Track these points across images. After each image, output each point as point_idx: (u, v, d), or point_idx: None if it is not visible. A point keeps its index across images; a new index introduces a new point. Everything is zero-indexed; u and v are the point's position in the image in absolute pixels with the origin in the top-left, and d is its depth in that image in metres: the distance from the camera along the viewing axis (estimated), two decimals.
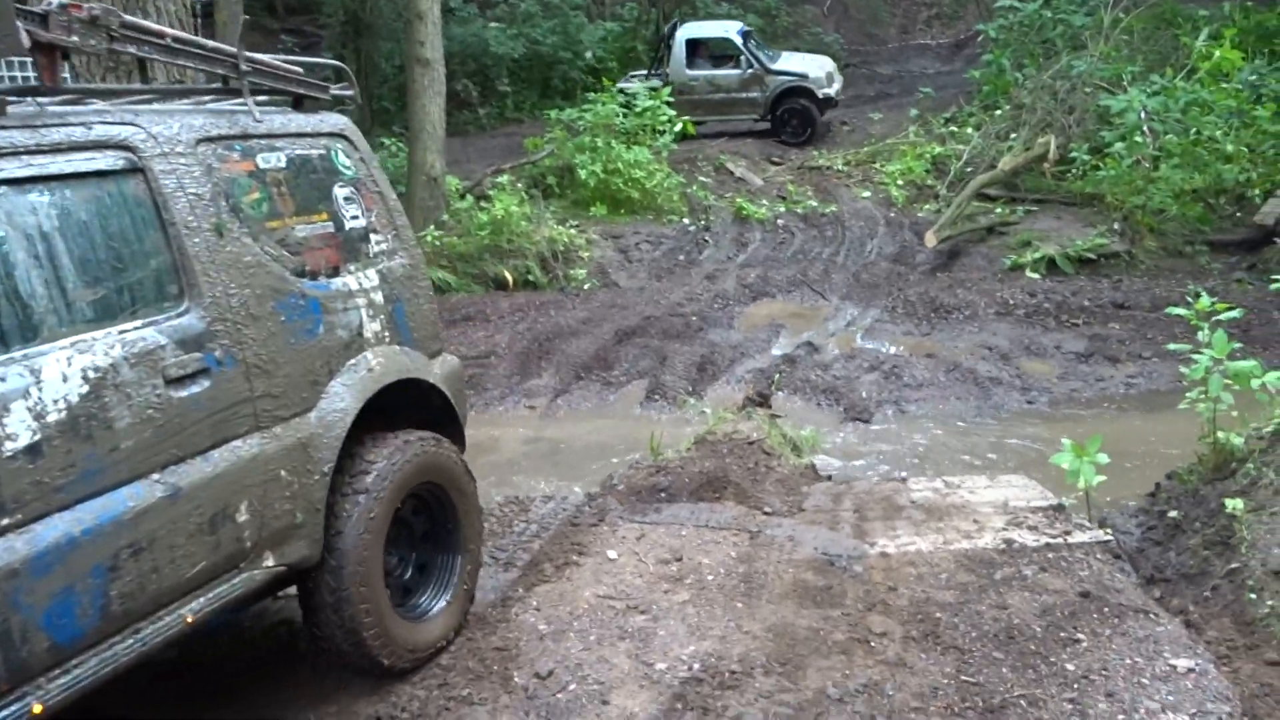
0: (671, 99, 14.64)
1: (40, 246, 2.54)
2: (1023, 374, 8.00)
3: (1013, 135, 13.35)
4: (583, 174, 12.97)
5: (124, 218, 2.78)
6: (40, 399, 2.42)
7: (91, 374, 2.55)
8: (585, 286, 11.16)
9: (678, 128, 14.05)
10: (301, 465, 3.17)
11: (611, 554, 4.46)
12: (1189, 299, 5.16)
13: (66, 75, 3.02)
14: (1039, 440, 6.71)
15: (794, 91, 16.02)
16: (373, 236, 3.72)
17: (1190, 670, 3.30)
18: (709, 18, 20.35)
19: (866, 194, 13.76)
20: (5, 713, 2.31)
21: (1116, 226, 10.92)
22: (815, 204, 13.48)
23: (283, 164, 3.38)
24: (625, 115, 13.82)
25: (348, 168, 3.70)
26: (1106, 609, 3.74)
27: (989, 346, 8.64)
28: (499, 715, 3.36)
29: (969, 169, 13.22)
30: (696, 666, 3.54)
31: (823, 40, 22.42)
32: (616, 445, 6.96)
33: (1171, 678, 3.28)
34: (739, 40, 16.33)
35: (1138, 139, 10.90)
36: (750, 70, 16.14)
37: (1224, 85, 11.27)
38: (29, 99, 2.73)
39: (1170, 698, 3.17)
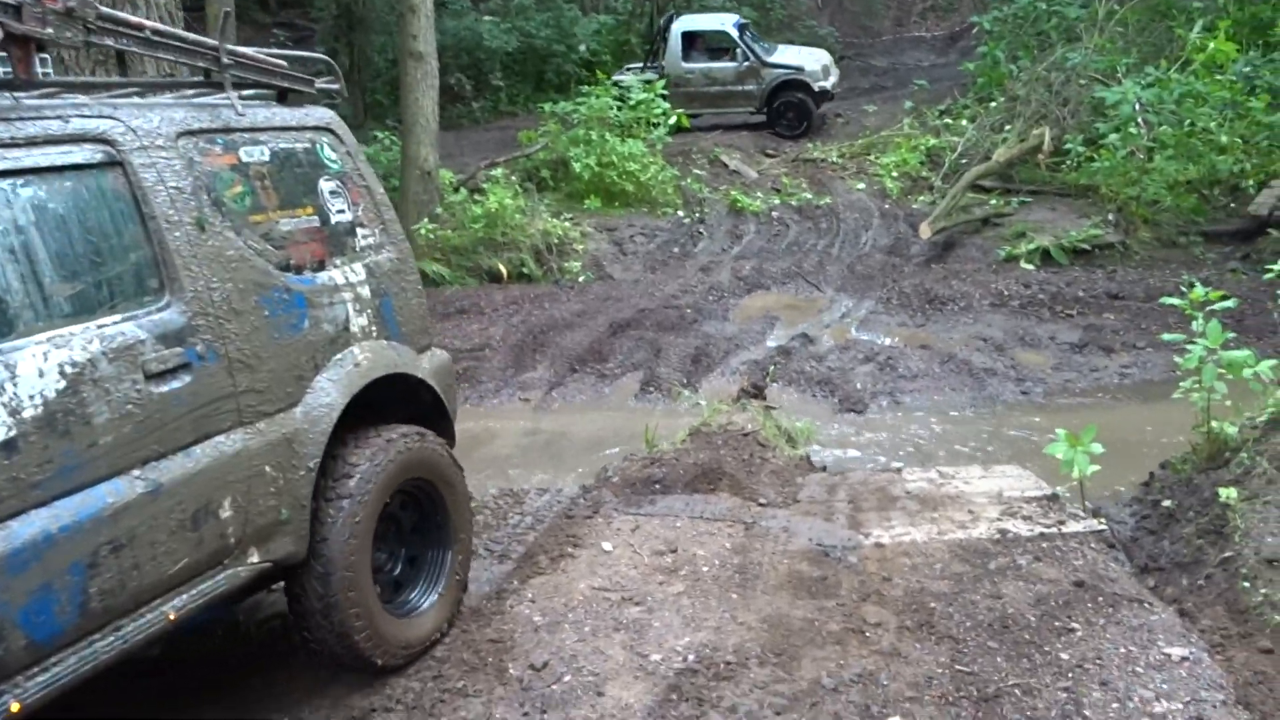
0: (666, 92, 14.62)
1: (15, 241, 2.51)
2: (1017, 365, 8.00)
3: (1007, 127, 13.35)
4: (577, 167, 12.94)
5: (102, 212, 2.75)
6: (16, 394, 2.40)
7: (69, 369, 2.52)
8: (580, 279, 11.14)
9: (672, 120, 14.02)
10: (287, 461, 3.15)
11: (606, 546, 4.46)
12: (1183, 289, 5.17)
13: (49, 69, 2.99)
14: (1033, 430, 6.71)
15: (790, 84, 16.01)
16: (359, 230, 3.69)
17: (1184, 659, 3.31)
18: (704, 10, 20.30)
19: (861, 186, 13.75)
20: None
21: (1111, 217, 10.93)
22: (810, 196, 13.47)
23: (266, 158, 3.35)
24: (620, 108, 13.78)
25: (333, 161, 3.67)
26: (1101, 598, 3.75)
27: (984, 337, 8.64)
28: (494, 707, 3.35)
29: (964, 161, 13.21)
30: (691, 657, 3.53)
31: (817, 33, 22.40)
32: (611, 437, 6.95)
33: (1165, 666, 3.28)
34: (735, 33, 16.30)
35: (1132, 130, 10.90)
36: (746, 63, 16.12)
37: (1218, 77, 11.26)
38: (4, 93, 2.69)
39: (1164, 686, 3.18)
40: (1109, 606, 3.69)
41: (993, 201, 12.21)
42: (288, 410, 3.20)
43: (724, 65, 16.23)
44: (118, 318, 2.70)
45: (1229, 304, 4.95)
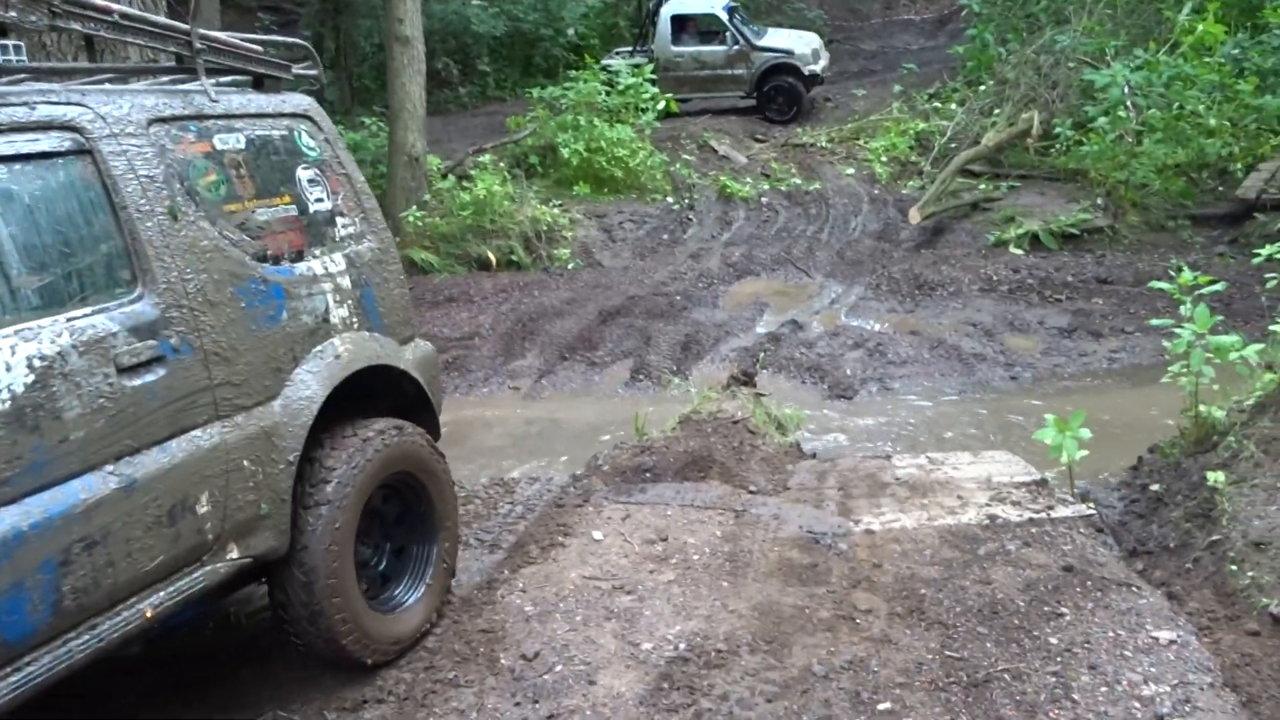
0: (656, 76, 14.54)
1: None
2: (1006, 350, 8.02)
3: (996, 111, 13.34)
4: (565, 153, 12.88)
5: (71, 201, 2.69)
6: None
7: (37, 363, 2.47)
8: (569, 266, 11.11)
9: (661, 105, 13.96)
10: (266, 455, 3.10)
11: (597, 535, 4.46)
12: (1171, 273, 5.18)
13: (24, 56, 2.94)
14: (1022, 415, 6.73)
15: (780, 68, 15.94)
16: (339, 220, 3.65)
17: (1172, 642, 3.33)
18: None
19: (850, 171, 13.73)
20: None
21: (1100, 201, 10.94)
22: (799, 181, 13.45)
23: (241, 145, 3.30)
24: (608, 93, 13.72)
25: (312, 149, 3.61)
26: (1089, 582, 3.77)
27: (973, 323, 8.66)
28: (485, 697, 3.35)
29: (953, 145, 13.21)
30: (683, 646, 3.54)
31: (806, 16, 22.30)
32: (601, 426, 6.95)
33: (1154, 650, 3.30)
34: (724, 16, 16.21)
35: (1121, 114, 10.91)
36: (736, 47, 16.04)
37: (1207, 59, 11.27)
38: None
39: (1152, 669, 3.20)
40: (1097, 591, 3.71)
41: (982, 186, 12.22)
42: (266, 403, 3.15)
43: (713, 49, 16.15)
44: (88, 310, 2.65)
45: (1217, 288, 4.97)
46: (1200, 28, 11.29)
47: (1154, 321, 5.37)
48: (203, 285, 2.98)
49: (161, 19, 3.29)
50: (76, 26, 2.91)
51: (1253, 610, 3.51)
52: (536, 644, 3.60)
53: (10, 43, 2.90)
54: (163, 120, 3.04)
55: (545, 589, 4.00)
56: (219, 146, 3.21)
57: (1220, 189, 11.09)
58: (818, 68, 16.14)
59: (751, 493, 4.90)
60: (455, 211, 11.26)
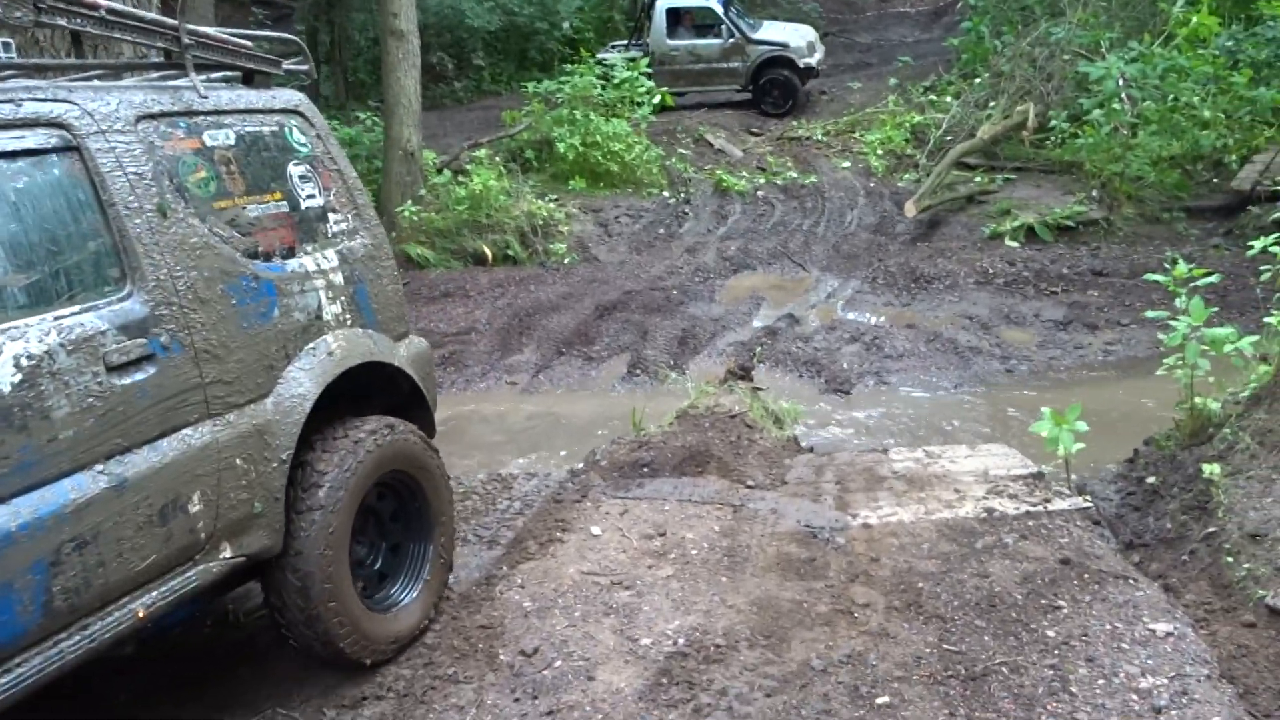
0: (651, 70, 14.51)
1: None
2: (1002, 343, 8.04)
3: (991, 103, 13.33)
4: (561, 147, 12.86)
5: (59, 199, 2.67)
6: None
7: (25, 362, 2.45)
8: (565, 261, 11.10)
9: (656, 99, 13.94)
10: (258, 453, 3.09)
11: (595, 530, 4.46)
12: (1167, 265, 5.19)
13: (13, 54, 2.92)
14: (1019, 408, 6.75)
15: (775, 61, 15.93)
16: (331, 216, 3.63)
17: (1169, 634, 3.34)
18: None
19: (846, 164, 13.72)
20: None
21: (1095, 194, 10.95)
22: (795, 175, 13.44)
23: (231, 141, 3.28)
24: (604, 87, 13.69)
25: (303, 145, 3.59)
26: (1086, 575, 3.78)
27: (969, 316, 8.67)
28: (485, 693, 3.36)
29: (948, 138, 13.20)
30: (681, 641, 3.55)
31: (801, 8, 22.26)
32: (598, 420, 6.96)
33: (1151, 642, 3.32)
34: (720, 9, 16.17)
35: (1116, 106, 10.90)
36: (731, 40, 16.02)
37: (1201, 51, 11.27)
38: None
39: (1150, 662, 3.21)
40: (1095, 583, 3.72)
41: (977, 179, 12.21)
42: (258, 401, 3.13)
43: (709, 42, 16.13)
44: (77, 308, 2.63)
45: (1211, 280, 4.98)
46: (1195, 20, 11.29)
47: (1149, 314, 5.38)
48: (193, 283, 2.96)
49: (149, 14, 3.26)
50: (62, 22, 2.89)
51: (1249, 602, 3.52)
52: (535, 640, 3.61)
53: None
54: (151, 116, 3.01)
55: (544, 585, 4.01)
56: (209, 143, 3.19)
57: (1215, 181, 11.11)
58: (813, 61, 16.12)
59: (749, 487, 4.91)
60: (451, 206, 11.25)
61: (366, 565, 3.66)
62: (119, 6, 3.07)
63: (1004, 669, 3.26)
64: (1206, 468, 4.24)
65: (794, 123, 15.50)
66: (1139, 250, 9.94)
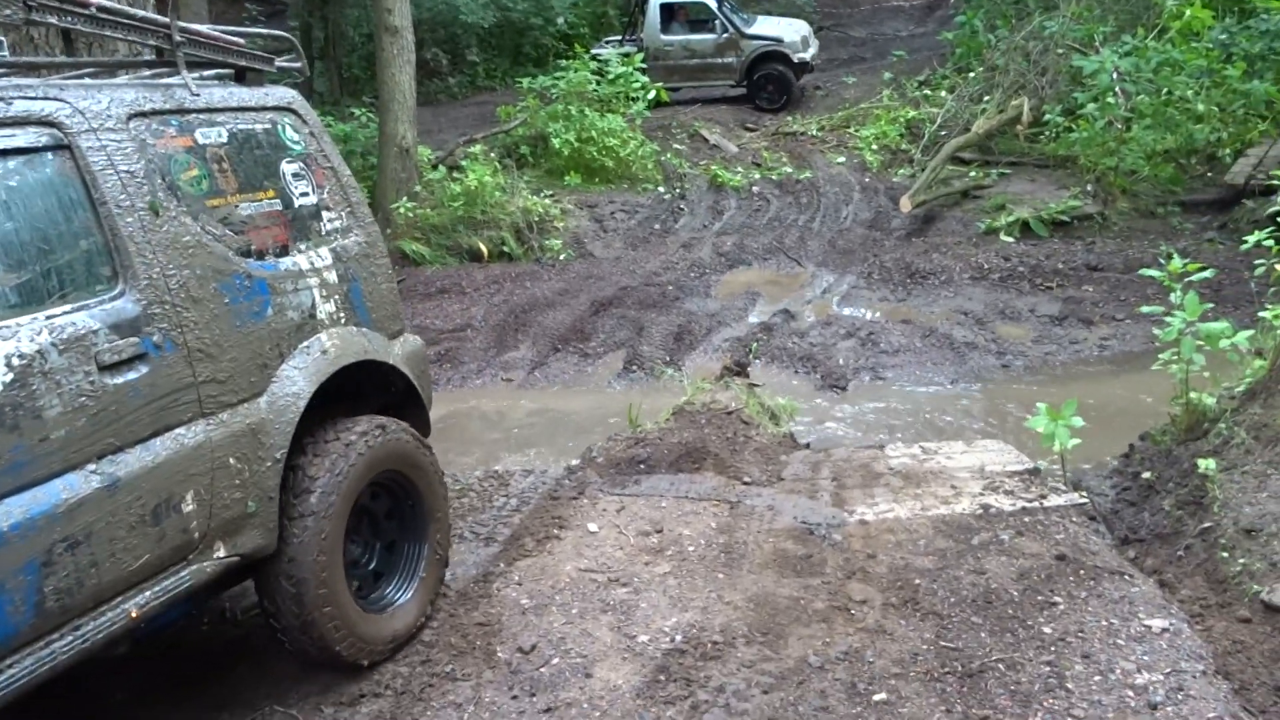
0: (646, 65, 14.49)
1: None
2: (998, 338, 8.04)
3: (986, 98, 13.34)
4: (556, 143, 12.85)
5: (50, 197, 2.66)
6: None
7: (16, 361, 2.44)
8: (561, 257, 11.09)
9: (651, 95, 13.92)
10: (252, 452, 3.08)
11: (592, 527, 4.46)
12: (1161, 260, 5.19)
13: (5, 52, 2.91)
14: (1014, 404, 6.76)
15: (769, 56, 15.90)
16: (325, 214, 3.62)
17: (1165, 630, 3.36)
18: None
19: (841, 159, 13.72)
20: None
21: (1089, 188, 10.96)
22: (790, 170, 13.44)
23: (224, 139, 3.27)
24: (598, 82, 13.67)
25: (296, 143, 3.58)
26: (1082, 571, 3.79)
27: (964, 311, 8.68)
28: (482, 690, 3.37)
29: (943, 132, 13.21)
30: (679, 638, 3.55)
31: (795, 3, 22.22)
32: (595, 417, 6.95)
33: (1146, 638, 3.33)
34: (713, 4, 16.14)
35: (1110, 100, 10.91)
36: (725, 35, 15.99)
37: (1195, 45, 11.28)
38: None
39: (1146, 657, 3.22)
40: (1090, 579, 3.73)
41: (972, 173, 12.23)
42: (252, 400, 3.12)
43: (703, 37, 16.10)
44: (68, 307, 2.62)
45: (1206, 275, 4.98)
46: (1188, 13, 11.29)
47: (1144, 309, 5.39)
48: (185, 281, 2.95)
49: (140, 12, 3.23)
50: (53, 20, 2.87)
51: (1244, 597, 3.53)
52: (533, 637, 3.62)
53: None
54: (143, 115, 3.00)
55: (541, 582, 4.01)
56: (201, 141, 3.18)
57: (1209, 175, 11.13)
58: (807, 55, 16.11)
59: (746, 484, 4.92)
60: (446, 202, 11.22)
61: (361, 565, 3.65)
62: (110, 4, 3.06)
63: (1000, 665, 3.27)
64: (1202, 463, 4.26)
65: (789, 118, 15.49)
66: (1134, 245, 9.95)
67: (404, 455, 3.66)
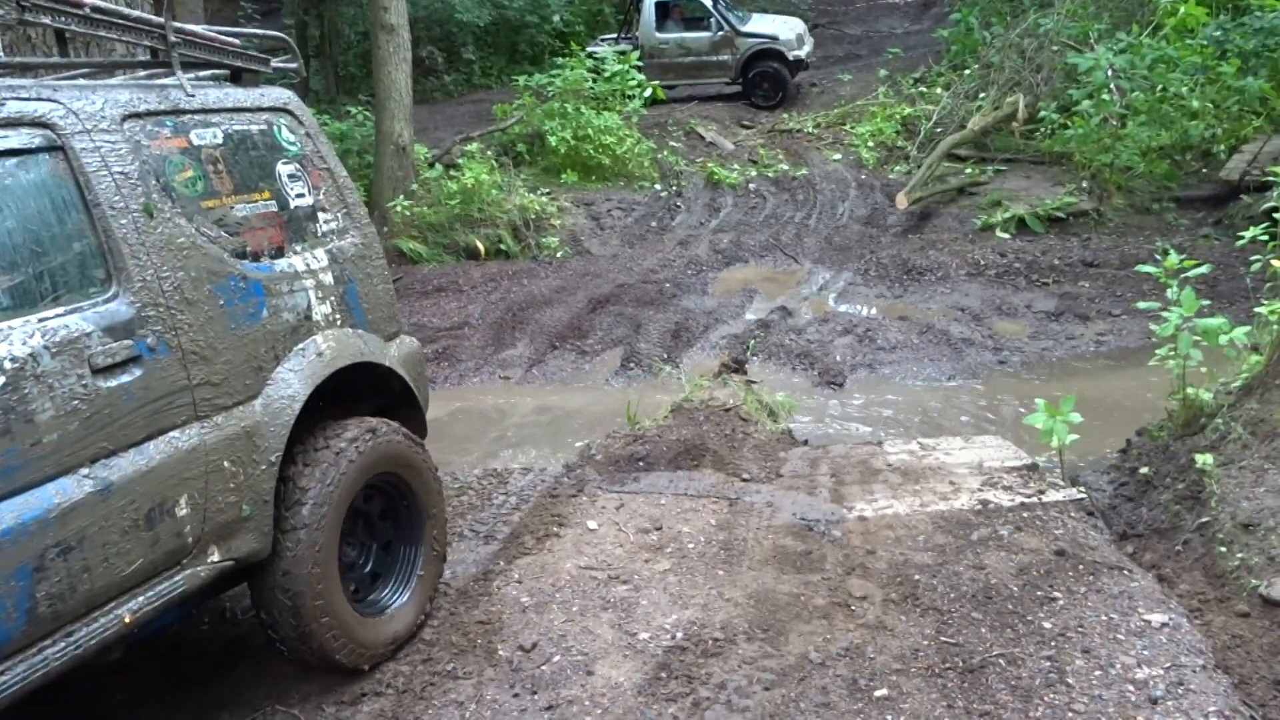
0: (641, 63, 14.49)
1: None
2: (995, 334, 8.06)
3: (981, 95, 13.35)
4: (552, 141, 12.84)
5: (43, 199, 2.64)
6: None
7: (8, 364, 2.42)
8: (558, 255, 11.09)
9: (647, 93, 13.92)
10: (247, 455, 3.06)
11: (591, 524, 4.47)
12: (1157, 256, 5.21)
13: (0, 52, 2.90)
14: (1012, 400, 6.77)
15: (765, 54, 15.90)
16: (320, 215, 3.60)
17: (1164, 625, 3.37)
18: None
19: (837, 156, 13.73)
20: None
21: (1085, 185, 10.98)
22: (786, 167, 13.44)
23: (219, 140, 3.25)
24: (594, 80, 13.67)
25: (291, 143, 3.57)
26: (1081, 566, 3.80)
27: (961, 307, 8.69)
28: (484, 688, 3.37)
29: (939, 129, 13.22)
30: (679, 635, 3.56)
31: (790, 1, 22.22)
32: (593, 414, 6.96)
33: (1146, 632, 3.34)
34: (709, 2, 16.14)
35: (1105, 97, 10.93)
36: (720, 33, 15.98)
37: (1189, 41, 11.30)
38: None
39: (1145, 652, 3.23)
40: (1089, 575, 3.74)
41: (968, 170, 12.24)
42: (247, 403, 3.10)
43: (698, 35, 16.09)
44: (61, 310, 2.60)
45: (1202, 270, 5.00)
46: (1182, 10, 11.32)
47: (1141, 304, 5.40)
48: (180, 283, 2.93)
49: (135, 12, 3.22)
50: (46, 20, 2.86)
51: (1242, 592, 3.55)
52: (534, 635, 3.62)
53: None
54: (137, 115, 2.98)
55: (541, 580, 4.02)
56: (196, 142, 3.17)
57: (1204, 171, 11.15)
58: (802, 53, 16.11)
59: (745, 480, 4.92)
60: (443, 200, 11.22)
61: (358, 567, 3.63)
62: (104, 4, 3.04)
63: (1001, 660, 3.28)
64: (1199, 458, 4.27)
65: (784, 115, 15.49)
66: (1129, 241, 9.98)
67: (397, 456, 3.63)
